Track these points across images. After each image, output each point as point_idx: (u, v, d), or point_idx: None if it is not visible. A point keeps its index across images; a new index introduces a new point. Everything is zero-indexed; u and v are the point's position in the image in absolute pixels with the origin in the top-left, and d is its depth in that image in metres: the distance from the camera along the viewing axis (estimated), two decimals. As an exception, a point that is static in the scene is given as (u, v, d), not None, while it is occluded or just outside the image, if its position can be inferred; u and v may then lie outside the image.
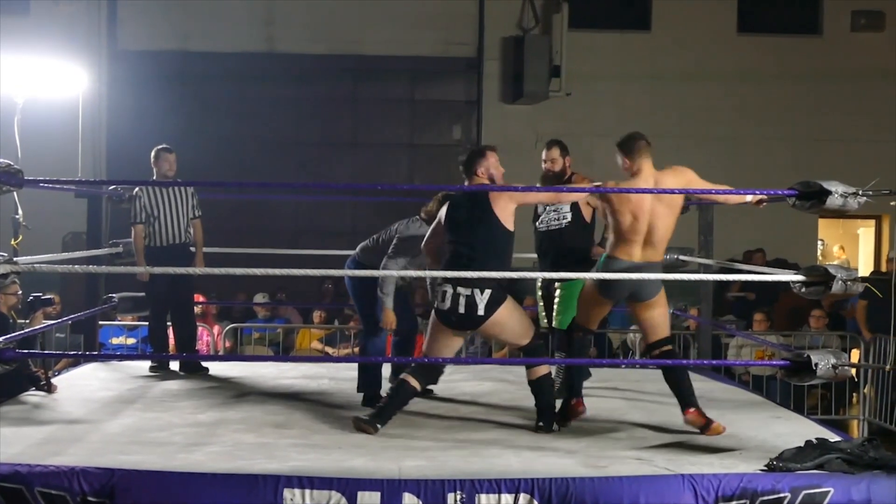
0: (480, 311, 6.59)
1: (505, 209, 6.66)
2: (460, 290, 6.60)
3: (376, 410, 6.76)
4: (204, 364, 9.12)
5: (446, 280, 6.67)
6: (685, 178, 6.84)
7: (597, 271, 6.90)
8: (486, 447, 6.30)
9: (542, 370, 6.88)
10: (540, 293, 8.35)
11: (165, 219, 9.05)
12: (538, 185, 8.24)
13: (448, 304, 6.64)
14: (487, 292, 6.59)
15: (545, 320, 8.26)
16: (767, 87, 17.30)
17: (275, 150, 16.70)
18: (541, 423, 6.82)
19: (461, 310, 6.61)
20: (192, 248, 9.25)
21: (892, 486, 5.58)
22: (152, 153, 9.18)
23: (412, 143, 17.05)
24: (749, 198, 6.87)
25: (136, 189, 9.08)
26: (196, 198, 9.26)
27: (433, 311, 6.83)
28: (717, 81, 17.21)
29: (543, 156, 8.23)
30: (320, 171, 16.54)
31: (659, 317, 6.88)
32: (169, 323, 9.40)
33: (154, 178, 9.16)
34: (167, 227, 9.05)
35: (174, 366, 9.08)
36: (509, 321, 6.75)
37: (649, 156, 7.04)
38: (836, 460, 5.68)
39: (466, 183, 6.96)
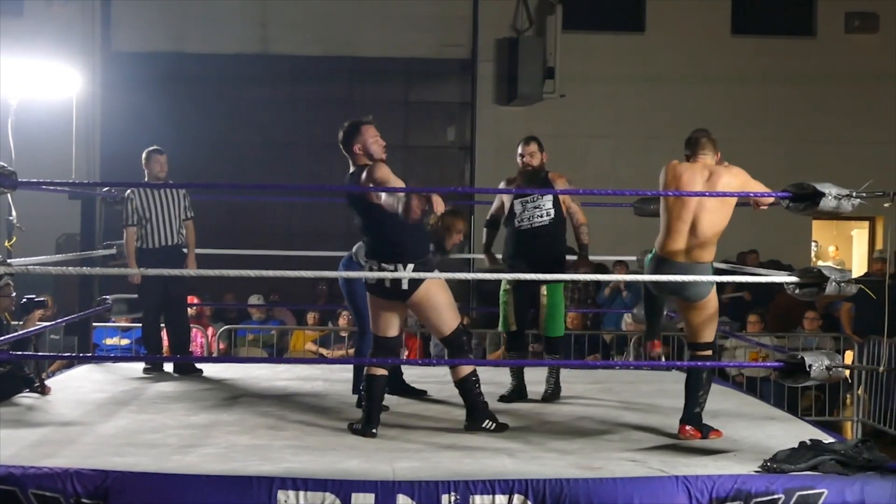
0: (404, 286, 6.63)
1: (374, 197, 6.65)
2: (384, 265, 6.66)
3: (363, 417, 6.74)
4: (198, 366, 9.12)
5: (371, 256, 6.75)
6: (739, 179, 6.65)
7: (647, 267, 6.91)
8: (479, 448, 6.30)
9: (467, 370, 6.83)
10: (507, 294, 8.14)
11: (158, 221, 9.04)
12: (514, 180, 8.19)
13: (374, 279, 6.70)
14: (410, 267, 6.63)
15: (512, 323, 8.12)
16: (761, 88, 17.32)
17: (269, 152, 16.69)
18: (467, 423, 6.82)
19: (387, 283, 6.66)
20: (185, 250, 9.24)
21: (886, 487, 5.59)
22: (143, 155, 9.19)
23: (406, 145, 17.04)
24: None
25: (128, 191, 9.08)
26: (188, 199, 9.25)
27: (366, 287, 6.89)
28: (711, 83, 17.22)
29: (520, 150, 8.12)
30: (315, 173, 16.52)
31: (701, 319, 6.76)
32: (162, 324, 9.40)
33: (145, 179, 9.17)
34: (159, 228, 9.05)
35: (168, 367, 9.08)
36: (435, 298, 6.73)
37: (711, 149, 6.77)
38: (830, 462, 5.69)
39: (350, 163, 6.96)
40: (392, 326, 6.87)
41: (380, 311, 6.84)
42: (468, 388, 6.84)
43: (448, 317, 6.80)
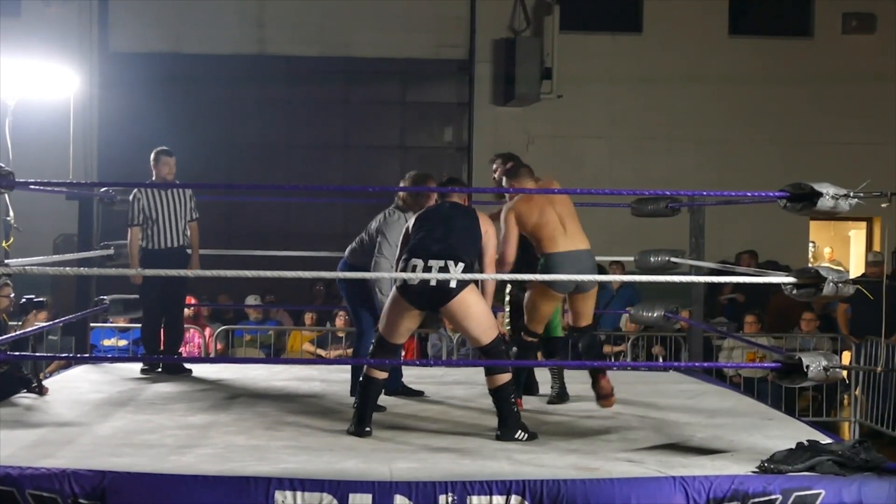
0: (453, 284, 6.46)
1: (486, 231, 6.82)
2: (432, 262, 6.50)
3: (356, 417, 6.70)
4: (191, 366, 9.11)
5: (415, 255, 6.58)
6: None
7: (542, 272, 7.26)
8: (477, 449, 6.30)
9: (504, 378, 6.65)
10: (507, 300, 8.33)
11: (164, 222, 9.01)
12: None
13: (417, 277, 6.49)
14: (461, 265, 6.50)
15: (508, 327, 8.22)
16: (759, 89, 17.32)
17: (266, 152, 16.69)
18: (500, 433, 6.63)
19: (432, 282, 6.46)
20: (189, 251, 9.21)
21: (883, 487, 5.59)
22: (152, 155, 9.11)
23: (403, 146, 17.06)
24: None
25: (135, 191, 9.03)
26: (194, 200, 9.22)
27: (395, 289, 6.67)
28: (709, 84, 17.23)
29: (495, 166, 8.26)
30: (312, 174, 16.53)
31: (590, 304, 7.53)
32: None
33: (153, 180, 9.11)
34: (166, 230, 9.01)
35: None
36: (476, 306, 6.59)
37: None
38: (828, 462, 5.69)
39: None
40: (405, 335, 6.82)
41: (401, 317, 6.67)
42: (503, 397, 6.65)
43: (489, 325, 6.66)
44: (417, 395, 8.10)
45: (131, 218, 9.03)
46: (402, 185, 7.84)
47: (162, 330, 9.39)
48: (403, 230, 7.12)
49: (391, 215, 7.73)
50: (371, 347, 6.92)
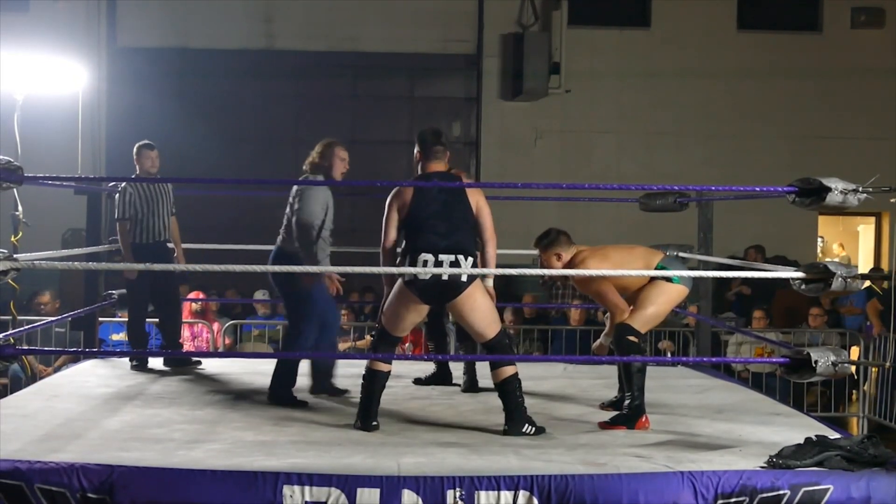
0: (464, 278, 6.48)
1: (476, 203, 6.78)
2: (443, 257, 6.53)
3: (361, 412, 6.69)
4: (195, 359, 9.12)
5: (425, 250, 6.59)
6: None
7: None
8: (485, 444, 6.30)
9: (509, 371, 6.64)
10: None
11: (151, 216, 8.98)
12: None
13: (429, 273, 6.49)
14: (471, 259, 6.57)
15: None
16: (767, 84, 17.32)
17: (274, 147, 16.70)
18: (507, 427, 6.61)
19: (444, 277, 6.48)
20: (170, 245, 9.20)
21: (892, 483, 5.59)
22: (134, 149, 9.11)
23: (411, 141, 16.96)
24: None
25: (123, 184, 9.01)
26: (173, 195, 9.20)
27: (402, 283, 6.64)
28: (717, 79, 17.23)
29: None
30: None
31: None
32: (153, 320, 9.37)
33: (137, 174, 9.09)
34: (153, 224, 8.99)
35: (159, 362, 9.07)
36: (482, 300, 6.63)
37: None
38: (836, 457, 5.68)
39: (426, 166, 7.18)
40: (408, 329, 6.86)
41: (408, 311, 6.68)
42: (509, 390, 6.64)
43: (493, 319, 6.69)
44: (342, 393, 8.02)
45: (122, 212, 8.98)
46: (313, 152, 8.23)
47: (160, 325, 9.38)
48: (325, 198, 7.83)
49: (306, 177, 8.01)
50: (373, 339, 6.93)
